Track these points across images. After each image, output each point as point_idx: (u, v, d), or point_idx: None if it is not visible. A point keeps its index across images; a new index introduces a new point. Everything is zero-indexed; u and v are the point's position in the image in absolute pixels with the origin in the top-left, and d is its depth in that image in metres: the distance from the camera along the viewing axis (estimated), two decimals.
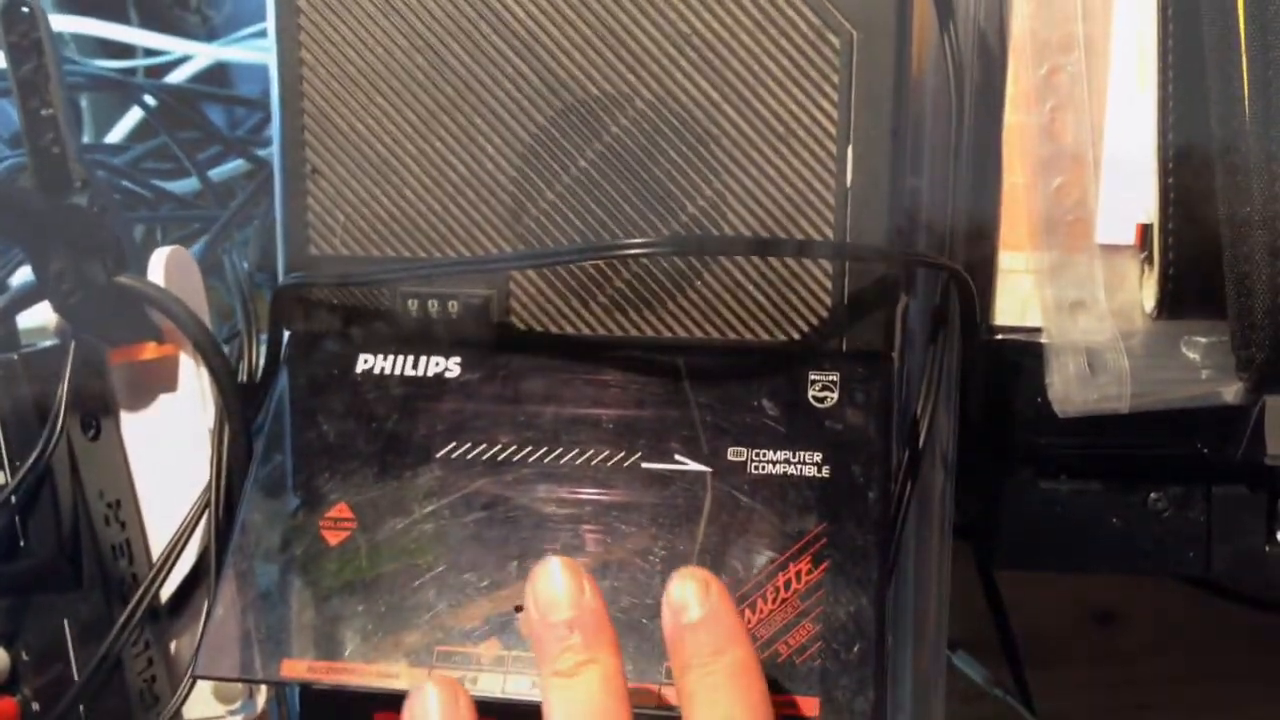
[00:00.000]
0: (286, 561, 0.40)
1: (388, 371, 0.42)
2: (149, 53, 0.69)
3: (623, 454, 0.40)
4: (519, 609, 0.38)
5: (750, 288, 0.41)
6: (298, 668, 0.39)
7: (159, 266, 0.42)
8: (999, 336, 0.44)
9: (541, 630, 0.33)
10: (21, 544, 0.41)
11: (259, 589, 0.40)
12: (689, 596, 0.33)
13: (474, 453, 0.41)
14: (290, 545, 0.40)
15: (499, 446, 0.41)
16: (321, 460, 0.41)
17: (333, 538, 0.40)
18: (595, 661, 0.33)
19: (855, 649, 0.38)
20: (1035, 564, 0.47)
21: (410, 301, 0.42)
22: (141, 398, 0.44)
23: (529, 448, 0.41)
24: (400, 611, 0.39)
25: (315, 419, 0.42)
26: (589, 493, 0.40)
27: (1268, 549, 0.45)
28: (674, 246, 0.41)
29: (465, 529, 0.40)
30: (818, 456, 0.40)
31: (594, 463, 0.40)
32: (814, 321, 0.41)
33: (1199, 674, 0.55)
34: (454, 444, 0.41)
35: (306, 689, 0.44)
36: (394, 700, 0.36)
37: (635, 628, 0.38)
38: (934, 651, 0.47)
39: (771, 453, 0.40)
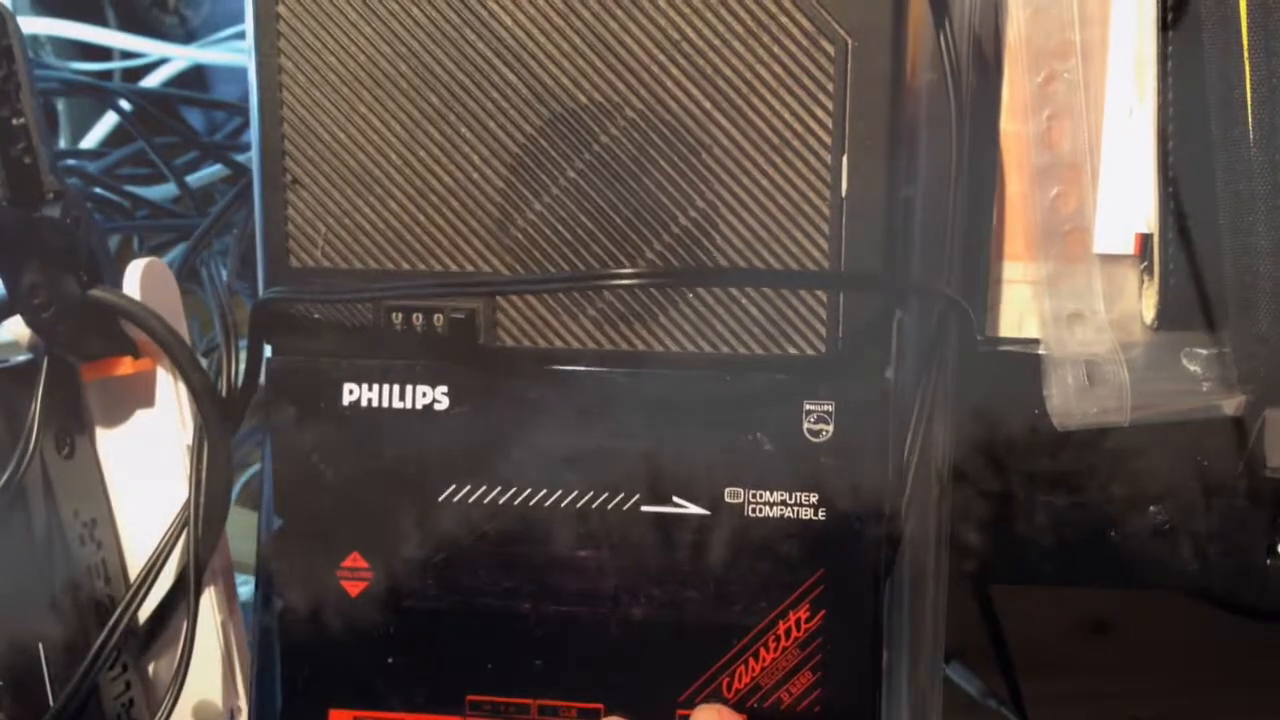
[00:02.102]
0: (313, 612, 0.42)
1: (375, 404, 0.41)
2: (126, 55, 0.68)
3: (621, 496, 0.40)
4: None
5: (744, 300, 0.40)
6: (344, 717, 0.42)
7: (135, 279, 0.41)
8: (996, 349, 0.43)
9: None
10: None
11: (293, 639, 0.42)
12: None
13: (474, 496, 0.41)
14: (314, 596, 0.42)
15: (498, 490, 0.41)
16: (327, 506, 0.42)
17: (353, 589, 0.42)
18: None
19: (853, 693, 0.40)
20: (1033, 578, 0.47)
21: (394, 315, 0.41)
22: (117, 414, 0.43)
23: (528, 490, 0.41)
24: (428, 660, 0.41)
25: (311, 460, 0.42)
26: (593, 538, 0.41)
27: (1268, 562, 0.44)
28: (664, 278, 0.40)
29: (476, 577, 0.41)
30: (814, 498, 0.40)
31: (594, 506, 0.40)
32: (809, 335, 0.40)
33: (1195, 686, 0.55)
34: (454, 487, 0.41)
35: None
36: None
37: (645, 675, 0.41)
38: (931, 666, 0.47)
39: (768, 494, 0.40)
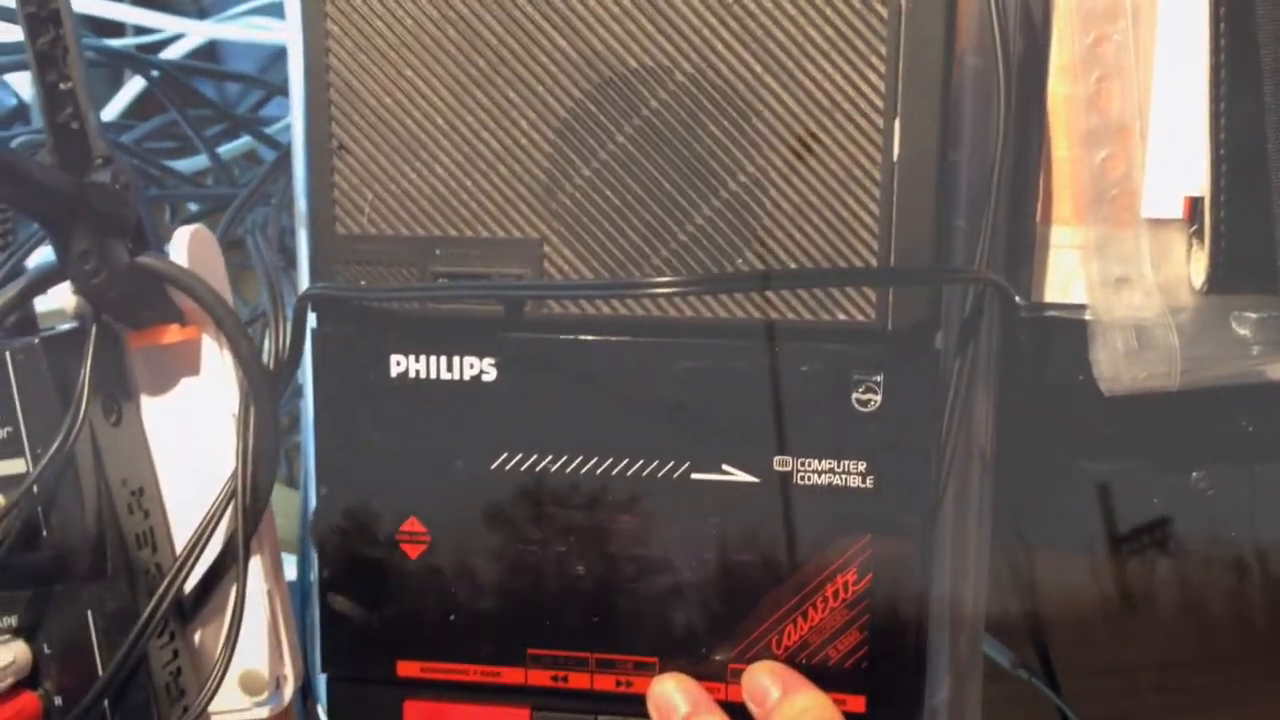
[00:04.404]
0: (377, 573, 0.43)
1: (423, 375, 0.41)
2: (140, 31, 0.68)
3: (672, 464, 0.40)
4: None
5: (792, 265, 0.40)
6: (412, 668, 0.43)
7: (182, 246, 0.41)
8: (1041, 314, 0.43)
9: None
10: (44, 534, 0.39)
11: (358, 598, 0.43)
12: (765, 683, 0.40)
13: (526, 464, 0.41)
14: (376, 560, 0.43)
15: (550, 458, 0.41)
16: (381, 473, 0.42)
17: (412, 551, 0.42)
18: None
19: (897, 652, 0.41)
20: (1075, 543, 0.47)
21: (441, 281, 0.41)
22: (163, 382, 0.43)
23: (579, 458, 0.41)
24: (489, 617, 0.42)
25: (362, 430, 0.42)
26: (643, 505, 0.41)
27: None
28: (702, 285, 0.40)
29: (528, 541, 0.42)
30: (862, 466, 0.40)
31: (645, 474, 0.41)
32: (859, 302, 0.40)
33: (1226, 658, 0.55)
34: (505, 455, 0.41)
35: (334, 681, 0.45)
36: (425, 688, 0.43)
37: (698, 632, 0.41)
38: (971, 637, 0.47)
39: (817, 462, 0.40)
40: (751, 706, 0.40)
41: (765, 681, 0.40)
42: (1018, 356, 0.43)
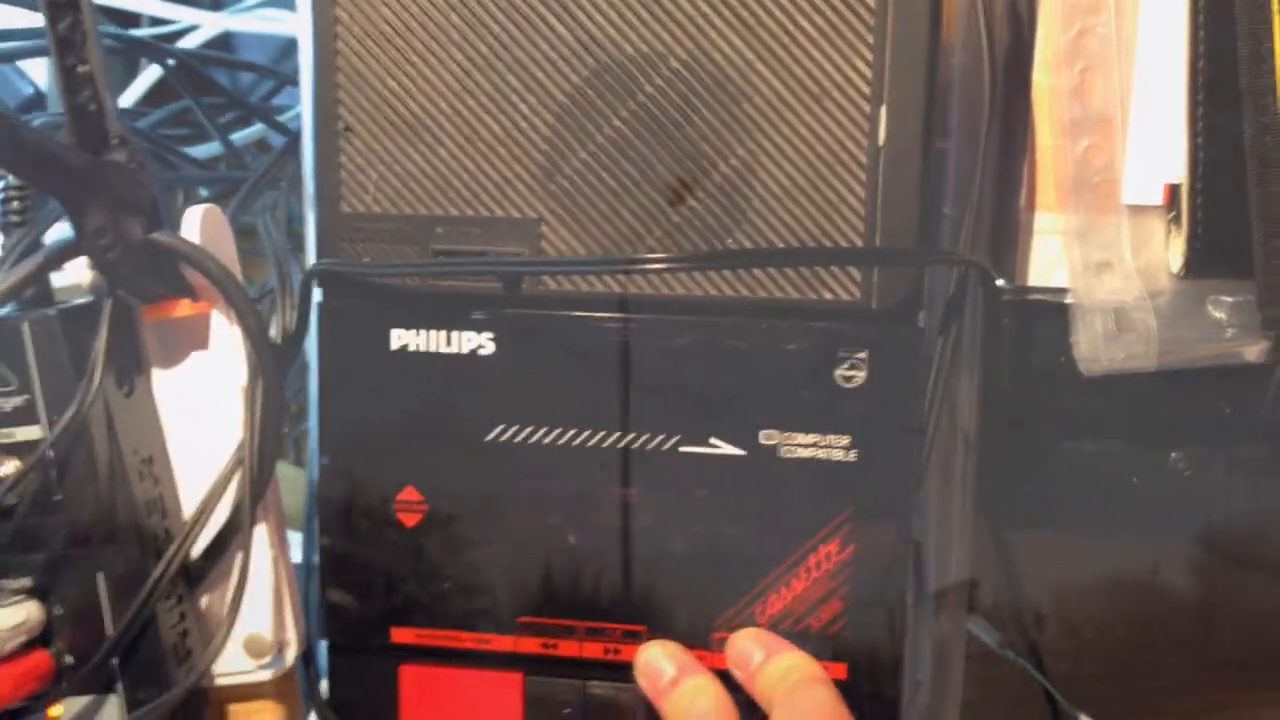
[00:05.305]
0: (374, 541, 0.44)
1: (422, 348, 0.43)
2: (155, 22, 0.69)
3: (661, 437, 0.41)
4: None
5: (781, 246, 0.41)
6: (406, 634, 0.44)
7: (194, 224, 0.42)
8: (1024, 298, 0.44)
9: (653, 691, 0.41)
10: (58, 498, 0.41)
11: (355, 565, 0.44)
12: (749, 648, 0.41)
13: (520, 436, 0.43)
14: (374, 526, 0.44)
15: (543, 430, 0.42)
16: (380, 443, 0.44)
17: (408, 519, 0.44)
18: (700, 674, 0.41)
19: (878, 621, 0.42)
20: (1055, 524, 0.48)
21: (442, 259, 0.43)
22: (174, 355, 0.44)
23: (572, 431, 0.42)
24: (480, 585, 0.44)
25: (363, 401, 0.43)
26: (633, 477, 0.42)
27: None
28: (695, 263, 0.41)
29: (520, 511, 0.43)
30: (845, 440, 0.41)
31: (635, 446, 0.42)
32: (844, 281, 0.41)
33: (1212, 639, 0.56)
34: (501, 427, 0.43)
35: (335, 646, 0.46)
36: (419, 654, 0.45)
37: (684, 600, 0.43)
38: (955, 617, 0.48)
39: (801, 435, 0.41)
40: (736, 672, 0.41)
41: (748, 646, 0.41)
42: (1001, 338, 0.45)
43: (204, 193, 0.65)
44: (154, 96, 0.69)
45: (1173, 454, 0.46)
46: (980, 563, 0.51)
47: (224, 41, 0.74)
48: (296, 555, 0.50)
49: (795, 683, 0.40)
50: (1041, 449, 0.46)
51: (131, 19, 0.69)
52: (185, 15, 0.67)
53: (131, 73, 0.71)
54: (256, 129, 0.67)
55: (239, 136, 0.67)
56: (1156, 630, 0.57)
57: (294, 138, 0.54)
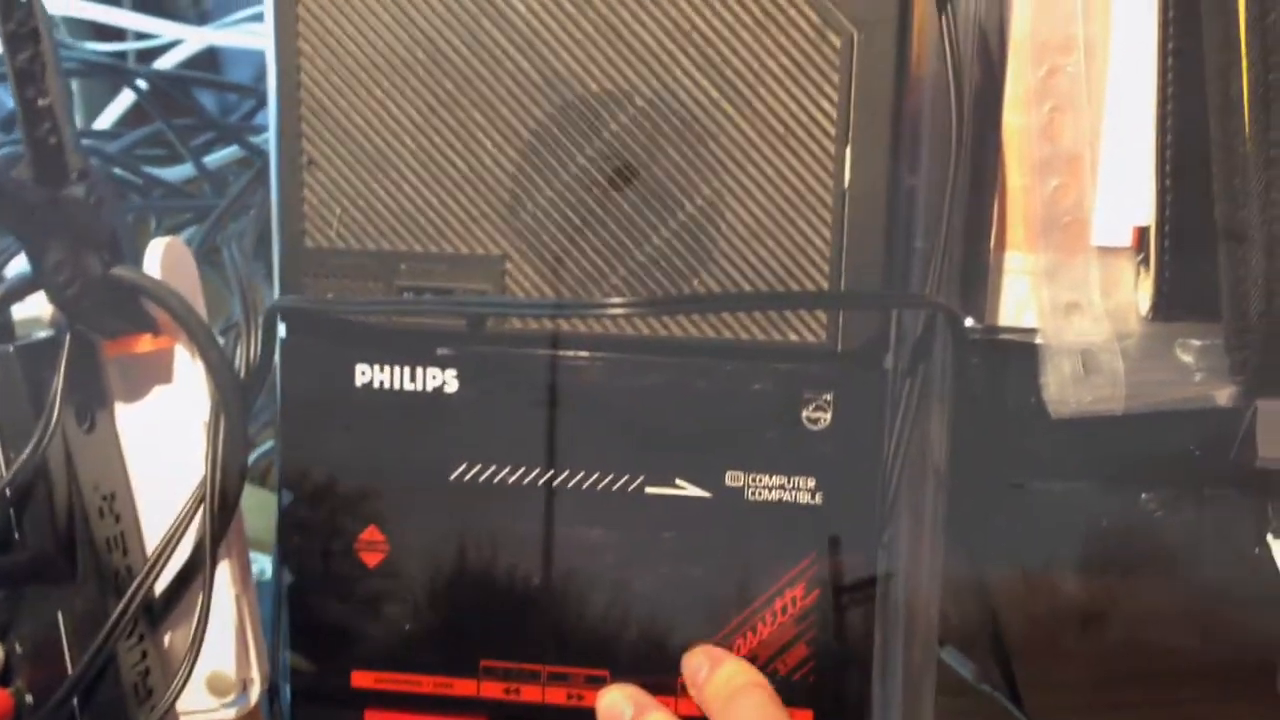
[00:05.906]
0: (335, 582, 0.44)
1: (386, 385, 0.42)
2: (140, 36, 0.69)
3: (626, 478, 0.41)
4: None
5: (746, 287, 0.41)
6: (366, 678, 0.44)
7: (155, 259, 0.42)
8: (993, 337, 0.44)
9: None
10: (16, 537, 0.40)
11: (317, 607, 0.44)
12: (699, 663, 0.41)
13: (484, 475, 0.42)
14: (334, 567, 0.44)
15: (507, 469, 0.42)
16: (343, 481, 0.43)
17: (370, 559, 0.43)
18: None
19: (844, 666, 0.42)
20: (1026, 563, 0.47)
21: (406, 295, 0.42)
22: (137, 390, 0.44)
23: (536, 470, 0.42)
24: (442, 627, 0.43)
25: (323, 438, 0.43)
26: (597, 519, 0.42)
27: (1257, 551, 0.45)
28: (653, 308, 0.41)
29: (484, 552, 0.43)
30: (811, 483, 0.41)
31: (599, 487, 0.42)
32: (809, 323, 0.41)
33: (1184, 673, 0.56)
34: (464, 466, 0.42)
35: (298, 684, 0.46)
36: (381, 699, 0.44)
37: (648, 645, 0.42)
38: (925, 650, 0.48)
39: (767, 478, 0.41)
40: (690, 690, 0.42)
41: (699, 661, 0.42)
42: (971, 378, 0.44)
43: (186, 217, 0.65)
44: (137, 114, 0.69)
45: (1143, 494, 0.45)
46: (956, 598, 0.51)
47: (210, 56, 0.73)
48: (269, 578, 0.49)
49: (733, 690, 0.40)
50: (1012, 489, 0.46)
51: (117, 33, 0.69)
52: (168, 30, 0.67)
53: (116, 89, 0.70)
54: (236, 149, 0.66)
55: (219, 156, 0.66)
56: (1128, 667, 0.57)
57: (265, 163, 0.54)
